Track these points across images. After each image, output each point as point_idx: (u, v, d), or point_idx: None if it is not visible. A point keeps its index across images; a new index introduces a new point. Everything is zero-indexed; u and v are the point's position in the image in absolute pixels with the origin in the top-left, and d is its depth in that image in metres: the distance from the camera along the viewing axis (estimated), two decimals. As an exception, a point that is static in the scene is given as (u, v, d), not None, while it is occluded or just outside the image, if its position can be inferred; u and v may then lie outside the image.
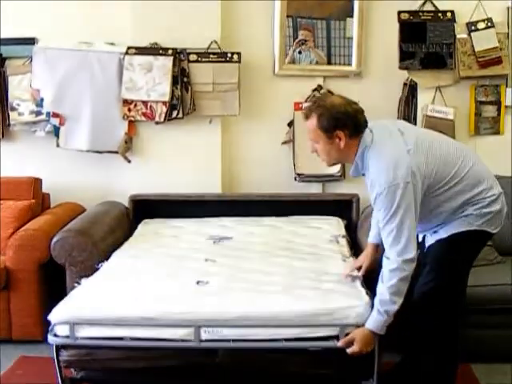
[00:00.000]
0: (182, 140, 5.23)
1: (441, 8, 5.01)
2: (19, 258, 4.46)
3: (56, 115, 5.17)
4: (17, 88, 5.24)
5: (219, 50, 5.09)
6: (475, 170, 3.34)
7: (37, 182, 5.12)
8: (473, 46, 4.95)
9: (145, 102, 5.11)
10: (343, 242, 4.55)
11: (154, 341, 3.39)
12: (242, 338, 3.35)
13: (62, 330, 3.41)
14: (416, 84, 5.09)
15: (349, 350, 3.27)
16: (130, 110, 5.13)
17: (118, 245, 4.52)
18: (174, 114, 5.11)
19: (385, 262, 3.25)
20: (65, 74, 5.15)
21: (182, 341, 3.36)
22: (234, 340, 3.35)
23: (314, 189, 5.37)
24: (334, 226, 4.89)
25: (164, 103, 5.09)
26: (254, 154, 5.37)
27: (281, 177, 5.31)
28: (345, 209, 5.07)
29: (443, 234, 3.39)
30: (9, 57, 5.26)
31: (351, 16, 5.20)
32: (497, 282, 4.13)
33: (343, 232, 4.76)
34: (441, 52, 4.98)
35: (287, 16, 5.18)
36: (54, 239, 4.35)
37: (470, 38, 4.95)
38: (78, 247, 4.30)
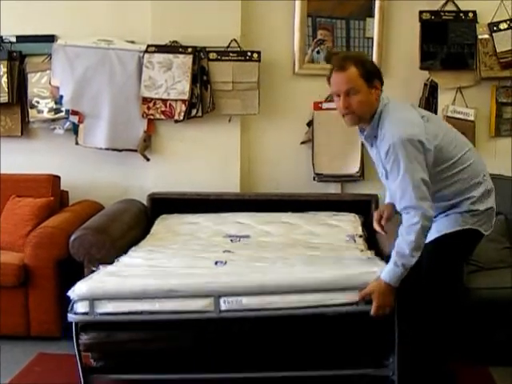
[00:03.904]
0: (201, 139, 5.23)
1: (462, 8, 4.99)
2: (38, 256, 4.47)
3: (75, 113, 5.18)
4: (36, 85, 5.26)
5: (239, 49, 5.08)
6: (476, 164, 3.31)
7: (56, 180, 5.13)
8: (494, 46, 4.93)
9: (164, 101, 5.11)
10: (360, 241, 4.52)
11: (173, 313, 3.41)
12: (262, 307, 3.37)
13: (82, 307, 3.45)
14: (437, 84, 5.05)
15: (372, 311, 3.22)
16: (149, 108, 5.13)
17: (136, 243, 4.53)
18: (194, 112, 5.10)
19: (404, 216, 3.15)
20: (84, 72, 5.16)
21: (202, 312, 3.39)
22: (253, 309, 3.37)
23: (333, 189, 5.34)
24: (350, 223, 4.84)
25: (183, 101, 5.08)
26: (272, 154, 5.35)
27: (299, 176, 5.29)
28: (364, 209, 5.03)
29: (434, 233, 3.29)
30: (28, 54, 5.29)
31: (371, 16, 5.17)
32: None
33: (360, 231, 4.70)
34: (462, 52, 4.97)
35: (307, 15, 5.17)
36: (73, 237, 4.35)
37: (492, 38, 4.93)
38: (97, 245, 4.30)
